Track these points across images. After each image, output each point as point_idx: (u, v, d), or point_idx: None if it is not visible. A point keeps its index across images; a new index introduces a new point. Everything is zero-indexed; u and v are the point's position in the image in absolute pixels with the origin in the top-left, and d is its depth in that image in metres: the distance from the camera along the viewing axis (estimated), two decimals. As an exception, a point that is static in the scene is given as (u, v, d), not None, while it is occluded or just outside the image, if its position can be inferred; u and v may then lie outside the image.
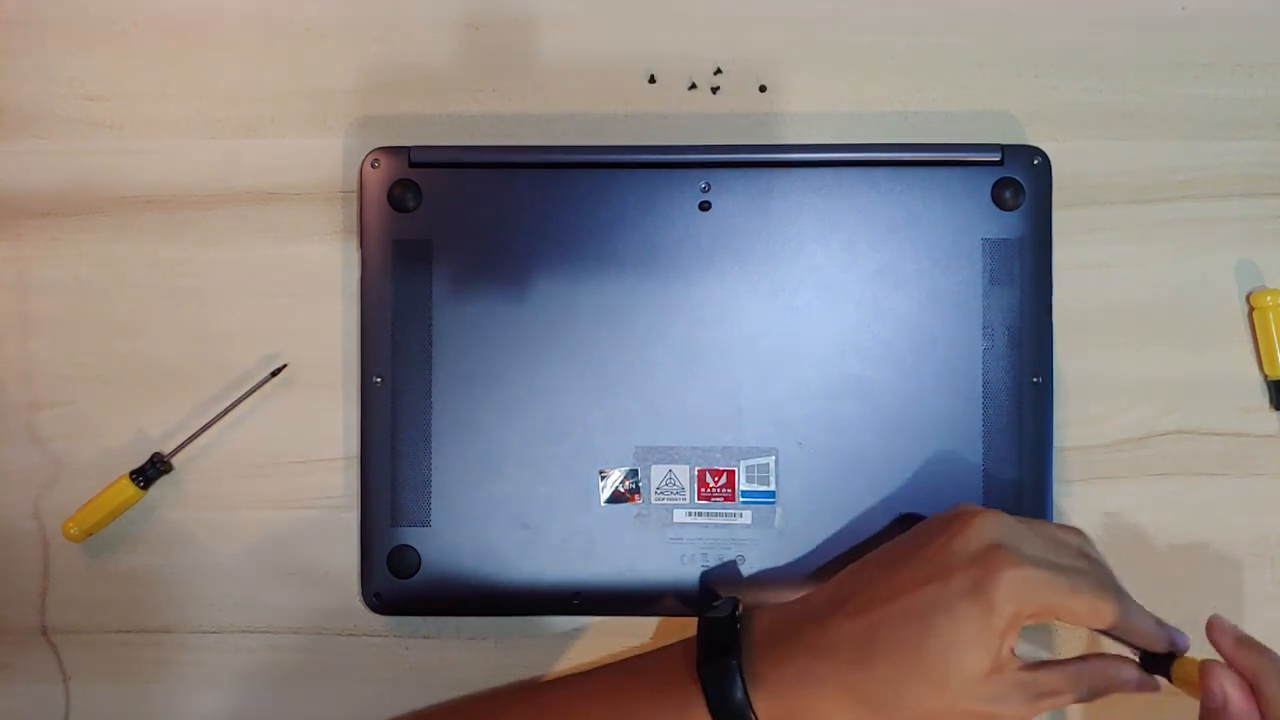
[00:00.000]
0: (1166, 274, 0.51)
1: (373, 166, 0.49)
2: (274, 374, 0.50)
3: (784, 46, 0.51)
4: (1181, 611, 0.51)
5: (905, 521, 0.49)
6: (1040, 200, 0.49)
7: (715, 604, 0.45)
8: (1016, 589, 0.39)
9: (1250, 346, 0.51)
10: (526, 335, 0.49)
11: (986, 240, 0.49)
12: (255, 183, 0.51)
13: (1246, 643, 0.42)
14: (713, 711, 0.41)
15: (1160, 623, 0.43)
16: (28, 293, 0.51)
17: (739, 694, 0.41)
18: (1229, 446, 0.51)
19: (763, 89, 0.51)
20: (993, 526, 0.41)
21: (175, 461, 0.51)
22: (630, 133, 0.51)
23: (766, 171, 0.49)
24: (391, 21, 0.52)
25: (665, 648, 0.46)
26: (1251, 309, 0.51)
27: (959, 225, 0.49)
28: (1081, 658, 0.43)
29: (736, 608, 0.44)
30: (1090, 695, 0.42)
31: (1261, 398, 0.51)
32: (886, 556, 0.43)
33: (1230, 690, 0.41)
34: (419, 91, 0.51)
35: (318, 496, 0.51)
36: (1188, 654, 0.45)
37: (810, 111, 0.51)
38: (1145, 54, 0.51)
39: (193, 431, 0.50)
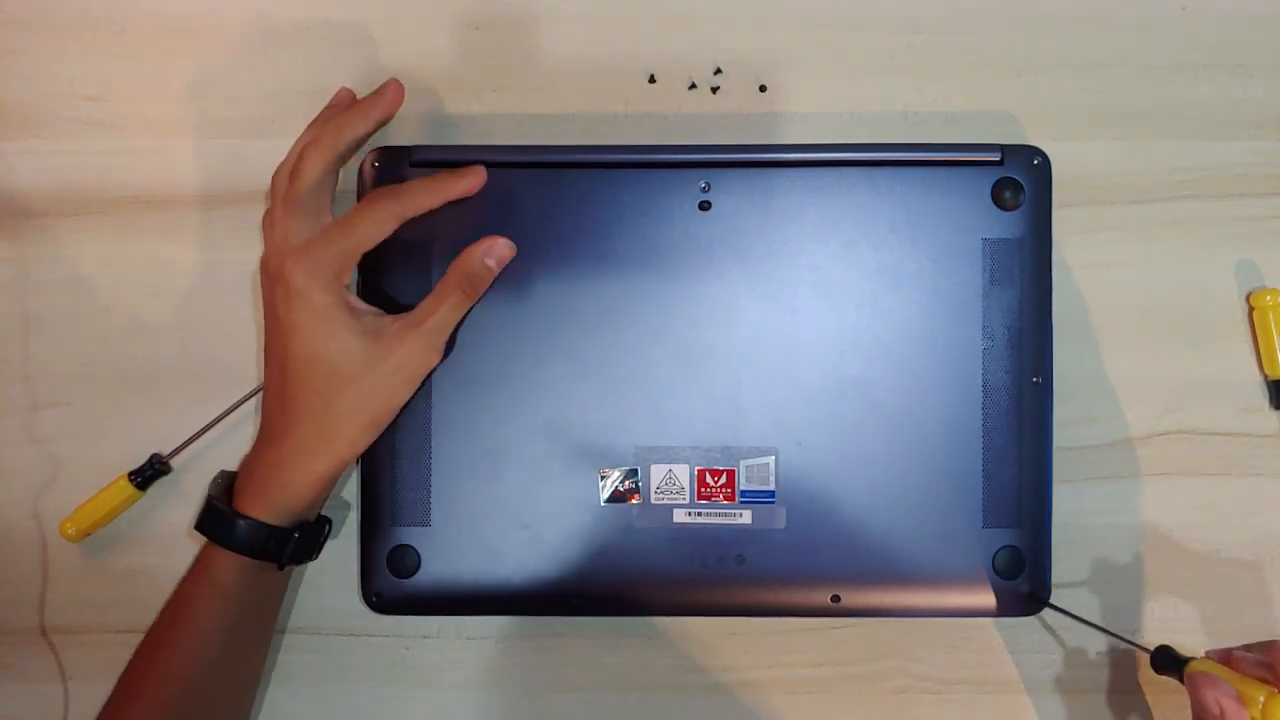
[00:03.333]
0: (1166, 274, 0.51)
1: (373, 166, 0.49)
2: (274, 374, 0.50)
3: (784, 46, 0.52)
4: (1182, 611, 0.51)
5: (904, 517, 0.49)
6: (1040, 200, 0.49)
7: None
8: (301, 266, 0.45)
9: (1250, 346, 0.51)
10: (526, 335, 0.49)
11: (986, 240, 0.49)
12: (255, 183, 0.51)
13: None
14: (230, 545, 0.45)
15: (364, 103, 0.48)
16: (28, 293, 0.51)
17: (240, 523, 0.45)
18: (1229, 446, 0.51)
19: (763, 89, 0.51)
20: (272, 261, 0.46)
21: (174, 463, 0.51)
22: (630, 133, 0.51)
23: (766, 171, 0.49)
24: (391, 21, 0.52)
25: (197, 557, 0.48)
26: (1251, 309, 0.51)
27: (959, 225, 0.49)
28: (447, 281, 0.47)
29: (226, 477, 0.48)
30: (470, 292, 0.47)
31: (1261, 398, 0.51)
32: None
33: (1225, 702, 0.41)
34: (419, 91, 0.51)
35: (318, 496, 0.51)
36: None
37: (810, 111, 0.51)
38: (1145, 54, 0.51)
39: (192, 433, 0.50)
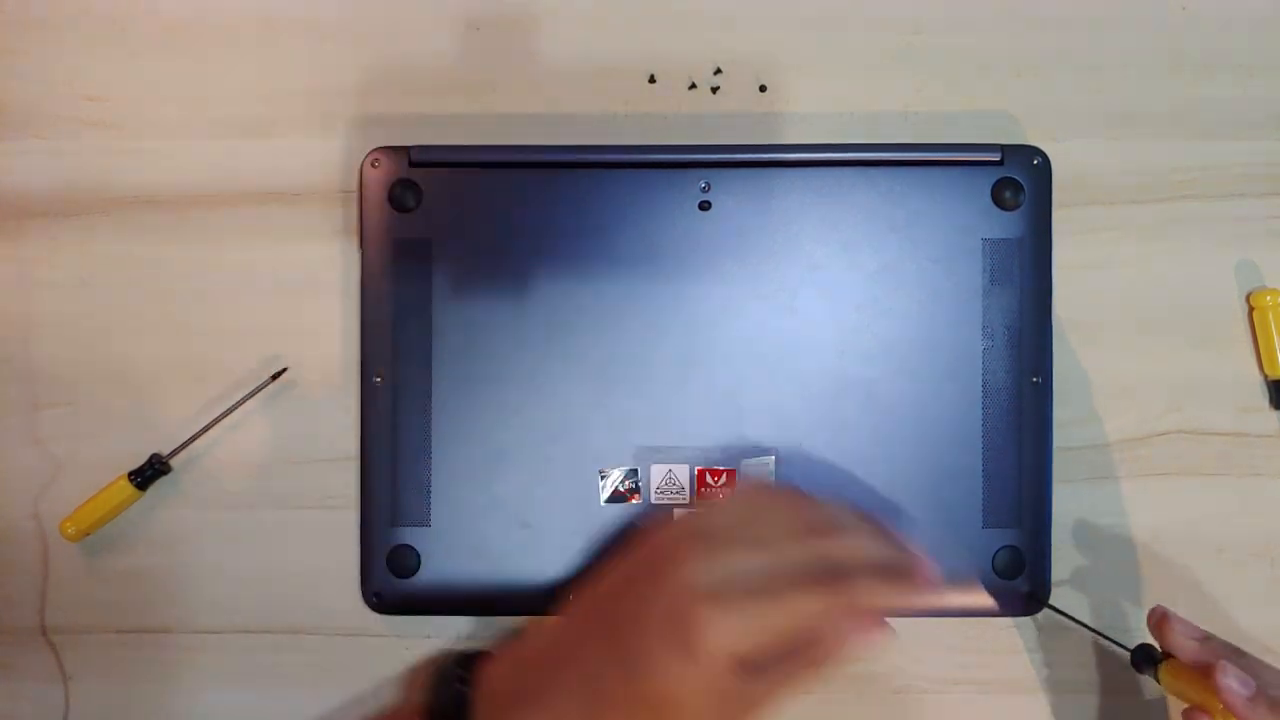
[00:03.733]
0: (1166, 274, 0.51)
1: (373, 166, 0.49)
2: (274, 378, 0.50)
3: (784, 46, 0.51)
4: (1182, 612, 0.51)
5: (902, 510, 0.49)
6: (1040, 200, 0.49)
7: (445, 657, 0.43)
8: (721, 636, 0.36)
9: (1250, 346, 0.51)
10: (526, 335, 0.49)
11: (986, 240, 0.49)
12: (255, 183, 0.51)
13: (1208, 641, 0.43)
14: None
15: (900, 561, 0.39)
16: (28, 293, 0.51)
17: None
18: (1229, 446, 0.51)
19: (763, 89, 0.51)
20: (687, 569, 0.38)
21: (174, 462, 0.51)
22: (630, 133, 0.51)
23: (766, 171, 0.49)
24: (391, 21, 0.52)
25: (400, 713, 0.44)
26: (1251, 309, 0.51)
27: (959, 225, 0.49)
28: (807, 647, 0.38)
29: (468, 664, 0.41)
30: (818, 668, 0.39)
31: (1261, 398, 0.51)
32: (599, 596, 0.41)
33: None
34: (419, 91, 0.51)
35: (318, 496, 0.51)
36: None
37: (810, 111, 0.51)
38: (1145, 54, 0.51)
39: (192, 433, 0.50)
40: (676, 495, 0.49)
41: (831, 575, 0.38)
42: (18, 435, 0.51)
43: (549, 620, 0.41)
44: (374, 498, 0.49)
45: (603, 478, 0.49)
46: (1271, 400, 0.51)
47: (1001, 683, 0.51)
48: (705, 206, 0.49)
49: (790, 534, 0.39)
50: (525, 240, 0.49)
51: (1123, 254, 0.51)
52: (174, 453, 0.50)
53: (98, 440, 0.51)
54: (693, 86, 0.52)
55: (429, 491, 0.49)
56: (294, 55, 0.52)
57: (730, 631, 0.37)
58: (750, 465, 0.49)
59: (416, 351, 0.49)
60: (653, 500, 0.49)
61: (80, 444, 0.51)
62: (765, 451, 0.49)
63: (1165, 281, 0.51)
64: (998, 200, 0.49)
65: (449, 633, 0.51)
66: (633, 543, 0.41)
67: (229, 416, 0.50)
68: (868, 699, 0.51)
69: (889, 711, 0.51)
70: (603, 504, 0.49)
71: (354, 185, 0.51)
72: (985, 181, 0.49)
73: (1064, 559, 0.50)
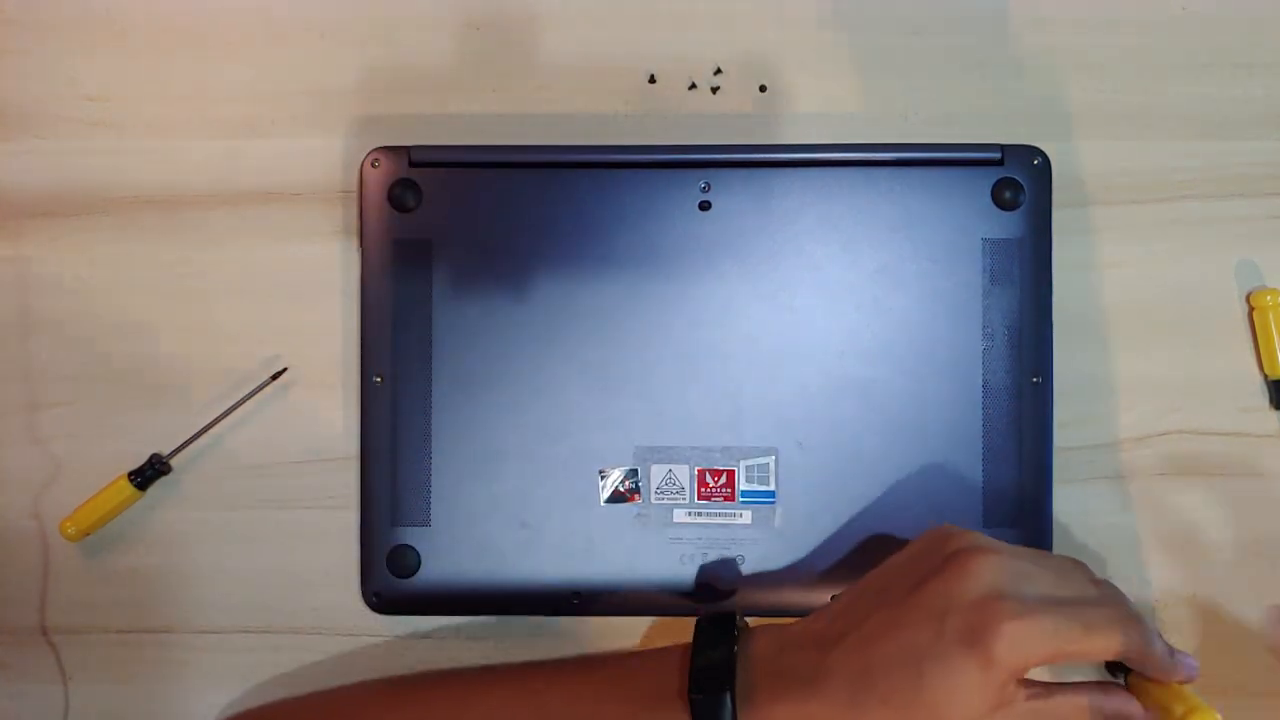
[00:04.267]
0: (1166, 274, 0.51)
1: (373, 166, 0.49)
2: (274, 377, 0.50)
3: (784, 46, 0.52)
4: (1181, 612, 0.51)
5: (903, 521, 0.49)
6: (1040, 200, 0.49)
7: (713, 618, 0.44)
8: (1018, 640, 0.38)
9: (1250, 346, 0.51)
10: (526, 335, 0.49)
11: (986, 240, 0.49)
12: (255, 183, 0.51)
13: None
14: None
15: (1172, 650, 0.41)
16: (28, 293, 0.51)
17: None
18: (1229, 446, 0.51)
19: (763, 89, 0.51)
20: (991, 571, 0.39)
21: (174, 462, 0.51)
22: (630, 133, 0.51)
23: (766, 171, 0.49)
24: (392, 21, 0.52)
25: (657, 655, 0.45)
26: (1251, 309, 0.51)
27: (959, 225, 0.49)
28: (1098, 684, 0.41)
29: (734, 628, 0.43)
30: None
31: (1261, 398, 0.51)
32: (884, 584, 0.42)
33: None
34: (419, 91, 0.51)
35: (318, 496, 0.51)
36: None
37: (810, 111, 0.51)
38: (1145, 54, 0.51)
39: (192, 433, 0.50)
40: (676, 495, 0.49)
41: (1136, 618, 0.40)
42: (18, 435, 0.51)
43: (814, 614, 0.43)
44: (374, 498, 0.49)
45: (603, 478, 0.49)
46: (1271, 400, 0.51)
47: (1001, 683, 0.51)
48: (705, 206, 0.49)
49: (1083, 577, 0.41)
50: (525, 240, 0.49)
51: (1123, 254, 0.51)
52: (174, 453, 0.50)
53: (98, 440, 0.51)
54: (693, 86, 0.52)
55: (429, 491, 0.49)
56: (294, 55, 0.52)
57: (1026, 645, 0.37)
58: (749, 465, 0.49)
59: (416, 351, 0.49)
60: (653, 500, 0.49)
61: (80, 444, 0.51)
62: (765, 451, 0.49)
63: (1165, 281, 0.51)
64: (998, 200, 0.49)
65: (449, 632, 0.51)
66: (910, 548, 0.43)
67: (229, 416, 0.50)
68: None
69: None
70: (602, 504, 0.49)
71: (354, 185, 0.51)
72: (985, 181, 0.49)
73: (1064, 559, 0.50)
